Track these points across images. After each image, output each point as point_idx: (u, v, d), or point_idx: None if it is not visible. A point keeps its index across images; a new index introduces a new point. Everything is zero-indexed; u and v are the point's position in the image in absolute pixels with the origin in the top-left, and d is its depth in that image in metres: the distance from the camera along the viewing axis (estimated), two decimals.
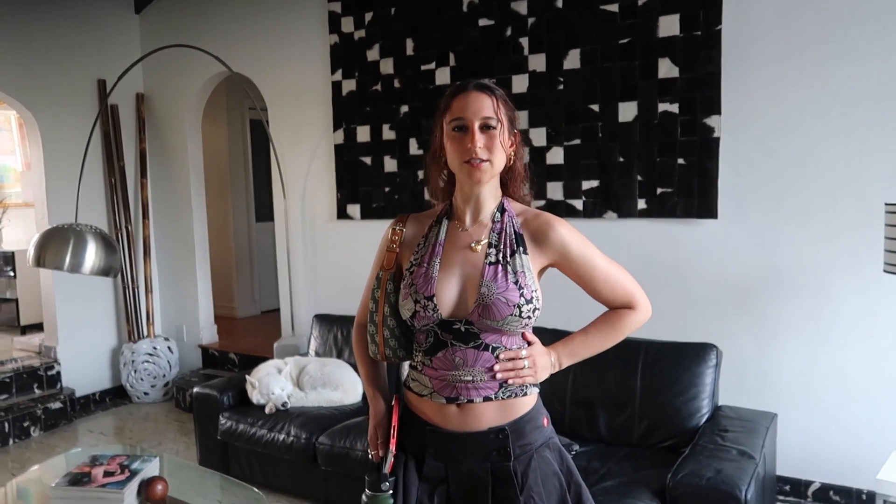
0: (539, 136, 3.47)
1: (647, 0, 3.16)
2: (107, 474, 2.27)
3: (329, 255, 4.35)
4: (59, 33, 4.63)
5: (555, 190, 3.45)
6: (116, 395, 5.00)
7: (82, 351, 4.82)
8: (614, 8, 3.24)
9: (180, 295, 5.17)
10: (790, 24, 2.90)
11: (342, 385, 3.44)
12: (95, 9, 4.83)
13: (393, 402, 1.50)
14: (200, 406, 3.51)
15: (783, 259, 2.99)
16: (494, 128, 1.38)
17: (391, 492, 1.40)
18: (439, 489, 1.41)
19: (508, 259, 1.39)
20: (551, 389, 2.83)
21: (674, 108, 3.14)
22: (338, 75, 4.13)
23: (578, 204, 3.40)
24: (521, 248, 1.41)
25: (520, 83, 3.50)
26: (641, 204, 3.26)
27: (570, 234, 1.43)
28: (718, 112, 3.05)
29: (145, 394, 4.89)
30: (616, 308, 1.48)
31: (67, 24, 4.67)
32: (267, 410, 3.33)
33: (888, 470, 2.14)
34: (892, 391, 2.81)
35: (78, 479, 2.23)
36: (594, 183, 3.37)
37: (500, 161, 1.41)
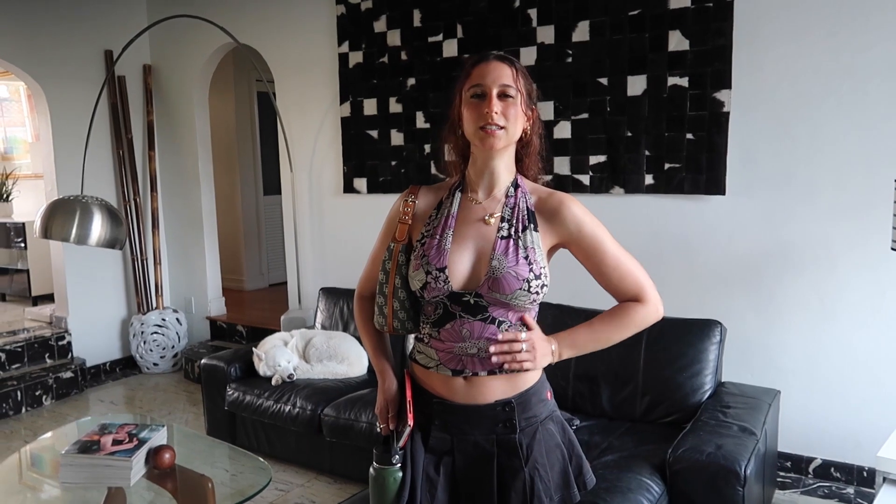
0: (546, 110, 3.43)
1: None
2: (115, 442, 2.31)
3: (336, 229, 4.36)
4: (66, 3, 4.61)
5: (561, 165, 3.43)
6: (126, 366, 5.06)
7: (92, 321, 4.88)
8: None
9: (188, 267, 5.20)
10: None
11: (348, 358, 3.47)
12: None
13: (406, 376, 1.50)
14: (208, 377, 3.55)
15: (790, 236, 2.97)
16: (512, 97, 1.38)
17: (399, 464, 1.41)
18: (445, 460, 1.42)
19: (520, 234, 1.39)
20: (554, 364, 2.84)
21: (683, 81, 3.10)
22: (344, 47, 4.10)
23: (585, 179, 3.38)
24: (532, 225, 1.41)
25: (528, 56, 3.46)
26: (649, 179, 3.24)
27: (583, 213, 1.42)
28: (729, 86, 3.00)
29: (154, 364, 4.95)
30: (624, 301, 1.44)
31: None
32: (273, 382, 3.37)
33: (890, 447, 2.13)
34: None
35: (87, 447, 2.27)
36: (601, 158, 3.34)
37: (515, 131, 1.40)
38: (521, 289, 1.35)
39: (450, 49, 3.71)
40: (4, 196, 6.18)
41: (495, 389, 1.39)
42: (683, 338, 2.72)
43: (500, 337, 1.35)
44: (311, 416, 3.12)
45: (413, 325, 1.48)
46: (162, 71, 5.08)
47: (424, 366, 1.44)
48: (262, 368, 3.43)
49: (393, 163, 4.01)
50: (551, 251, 1.45)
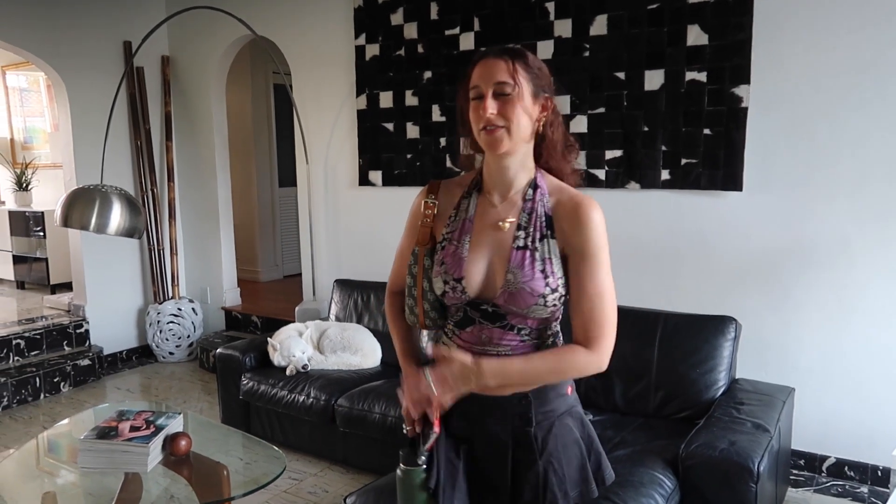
0: (563, 104, 3.42)
1: None
2: (133, 429, 2.34)
3: (351, 222, 4.38)
4: None
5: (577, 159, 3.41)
6: (143, 354, 5.12)
7: (110, 310, 4.94)
8: None
9: (204, 258, 5.25)
10: None
11: (361, 349, 3.49)
12: None
13: None
14: (223, 366, 3.58)
15: (808, 234, 2.94)
16: (508, 93, 1.31)
17: (425, 466, 1.40)
18: (463, 447, 1.44)
19: (537, 244, 1.35)
20: None
21: (702, 76, 3.08)
22: (361, 39, 4.10)
23: (601, 174, 3.37)
24: (550, 232, 1.36)
25: (545, 49, 3.45)
26: (665, 175, 3.22)
27: (598, 226, 1.34)
28: (748, 81, 2.98)
29: (170, 353, 5.00)
30: (576, 335, 1.36)
31: None
32: (288, 372, 3.40)
33: None
34: None
35: (105, 433, 2.30)
36: (617, 153, 3.33)
37: (519, 128, 1.33)
38: (536, 304, 1.33)
39: (466, 42, 3.71)
40: (24, 185, 6.25)
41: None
42: (698, 334, 2.71)
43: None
44: (325, 406, 3.14)
45: (444, 322, 1.49)
46: (180, 62, 5.11)
47: None
48: (276, 358, 3.46)
49: (408, 156, 4.01)
50: (565, 259, 1.38)
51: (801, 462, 3.03)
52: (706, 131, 3.09)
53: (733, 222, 3.10)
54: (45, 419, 3.97)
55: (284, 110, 6.18)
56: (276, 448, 2.53)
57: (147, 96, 4.99)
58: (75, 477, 2.34)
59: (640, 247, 3.28)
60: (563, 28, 3.40)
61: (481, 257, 1.38)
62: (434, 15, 3.81)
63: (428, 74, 3.88)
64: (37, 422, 3.94)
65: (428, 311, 1.46)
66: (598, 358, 1.35)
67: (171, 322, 4.98)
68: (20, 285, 6.32)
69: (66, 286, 5.66)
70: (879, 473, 2.89)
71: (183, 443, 2.36)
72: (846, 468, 2.96)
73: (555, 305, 1.35)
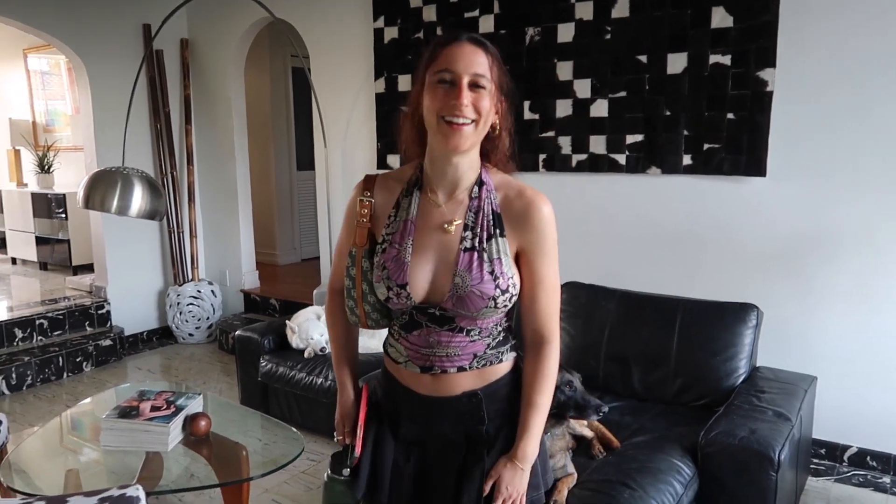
0: (583, 88, 3.38)
1: None
2: (154, 409, 2.37)
3: None
4: None
5: (597, 144, 3.38)
6: (163, 335, 5.18)
7: (130, 292, 5.00)
8: None
9: (223, 240, 5.28)
10: None
11: (378, 333, 3.50)
12: None
13: (363, 392, 1.46)
14: (242, 348, 3.61)
15: (834, 222, 2.89)
16: (485, 87, 1.22)
17: (348, 479, 1.39)
18: (414, 451, 1.39)
19: (485, 245, 1.27)
20: (585, 344, 2.83)
21: (726, 59, 3.03)
22: (380, 22, 4.07)
23: (621, 159, 3.33)
24: (499, 231, 1.28)
25: (565, 32, 3.41)
26: (687, 160, 3.18)
27: (550, 221, 1.29)
28: (773, 65, 2.92)
29: (190, 335, 5.05)
30: (533, 336, 1.33)
31: None
32: (306, 355, 3.41)
33: None
34: None
35: (126, 412, 2.33)
36: (638, 137, 3.29)
37: (485, 127, 1.26)
38: (486, 307, 1.27)
39: (486, 25, 3.67)
40: (46, 168, 6.32)
41: (463, 383, 1.33)
42: (719, 321, 2.68)
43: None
44: None
45: (387, 322, 1.42)
46: (199, 45, 5.11)
47: (394, 360, 1.39)
48: (294, 341, 3.48)
49: None
50: (518, 255, 1.31)
51: (822, 451, 3.00)
52: (730, 116, 3.04)
53: (756, 209, 3.06)
54: (68, 398, 4.03)
55: (303, 94, 6.17)
56: (295, 430, 2.55)
57: (167, 79, 5.00)
58: (98, 454, 2.38)
59: (661, 233, 3.25)
60: (585, 10, 3.35)
61: (426, 261, 1.29)
62: None
63: None
64: (60, 400, 4.01)
65: (370, 313, 1.39)
66: (557, 349, 1.34)
67: (191, 304, 5.03)
68: (43, 266, 6.41)
69: (88, 267, 5.73)
70: None
71: (203, 423, 2.39)
72: (868, 458, 2.93)
73: (505, 306, 1.29)
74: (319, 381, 3.24)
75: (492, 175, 1.33)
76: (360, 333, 1.54)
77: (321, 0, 4.37)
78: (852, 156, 2.82)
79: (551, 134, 3.51)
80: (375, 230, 1.36)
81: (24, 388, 4.17)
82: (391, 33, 4.04)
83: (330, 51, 4.40)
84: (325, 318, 1.54)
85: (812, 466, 2.93)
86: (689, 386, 2.67)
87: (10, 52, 6.66)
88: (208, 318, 5.08)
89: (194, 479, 2.23)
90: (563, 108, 3.47)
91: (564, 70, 3.44)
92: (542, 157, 3.54)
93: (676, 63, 3.15)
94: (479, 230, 1.28)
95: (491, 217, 1.29)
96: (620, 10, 3.26)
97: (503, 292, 1.27)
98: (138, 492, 1.88)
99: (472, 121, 1.22)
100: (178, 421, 2.35)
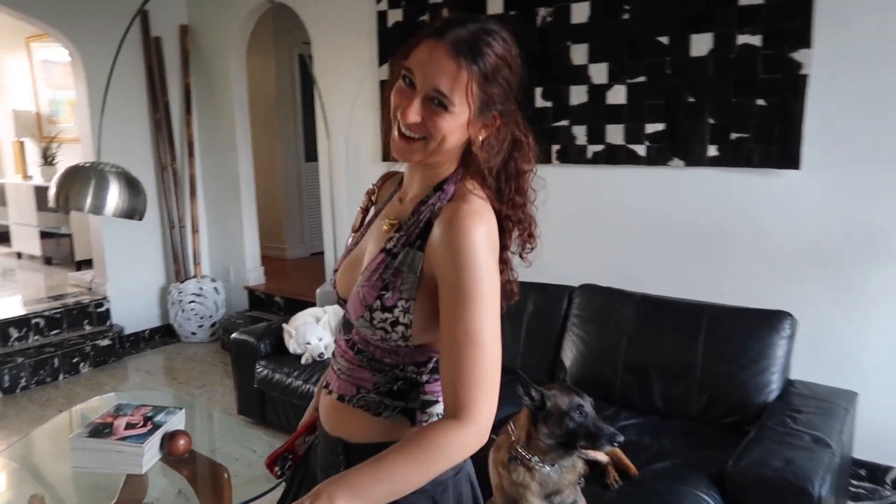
0: (599, 73, 3.13)
1: None
2: (129, 426, 2.19)
3: None
4: None
5: (615, 133, 3.13)
6: (165, 334, 5.03)
7: (131, 289, 4.84)
8: None
9: (227, 236, 5.10)
10: None
11: None
12: None
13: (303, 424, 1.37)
14: (239, 352, 3.44)
15: (876, 217, 2.62)
16: (446, 108, 1.01)
17: (280, 479, 1.37)
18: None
19: (399, 250, 1.09)
20: (600, 352, 2.60)
21: (755, 40, 2.75)
22: (383, 4, 3.85)
23: (641, 149, 3.08)
24: (420, 242, 1.07)
25: (580, 12, 3.15)
26: (712, 150, 2.92)
27: (478, 251, 0.99)
28: (808, 45, 2.65)
29: (193, 333, 4.90)
30: (444, 403, 1.02)
31: None
32: (303, 361, 3.23)
33: None
34: None
35: (98, 431, 2.16)
36: (659, 126, 3.03)
37: (443, 145, 1.04)
38: (363, 317, 1.07)
39: (494, 6, 3.42)
40: (49, 160, 6.18)
41: (336, 420, 1.17)
42: (748, 329, 2.44)
43: None
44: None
45: None
46: (199, 31, 4.91)
47: None
48: (292, 346, 3.30)
49: None
50: (437, 286, 1.04)
51: (863, 472, 2.74)
52: (760, 102, 2.78)
53: (789, 204, 2.79)
54: (63, 402, 3.89)
55: (310, 82, 5.95)
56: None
57: (166, 68, 4.81)
58: (69, 475, 2.21)
59: (684, 231, 3.01)
60: None
61: (358, 256, 1.20)
62: None
63: None
64: (54, 404, 3.87)
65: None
66: (475, 430, 0.97)
67: (193, 302, 4.87)
68: (47, 261, 6.30)
69: (91, 263, 5.59)
70: None
71: (182, 442, 2.20)
72: None
73: (383, 330, 1.06)
74: (316, 389, 3.05)
75: (461, 185, 1.09)
76: None
77: None
78: None
79: (565, 123, 3.27)
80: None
81: (18, 390, 4.04)
82: (395, 16, 3.81)
83: (332, 35, 4.18)
84: None
85: (852, 489, 2.68)
86: (716, 401, 2.43)
87: (13, 41, 6.52)
88: (211, 317, 4.92)
89: (181, 494, 2.10)
90: (578, 95, 3.22)
91: (579, 53, 3.19)
92: (555, 148, 3.30)
93: (701, 44, 2.88)
94: (405, 235, 1.11)
95: (422, 225, 1.09)
96: None
97: (384, 309, 1.06)
98: None
99: (420, 139, 1.04)
100: (155, 440, 2.16)
